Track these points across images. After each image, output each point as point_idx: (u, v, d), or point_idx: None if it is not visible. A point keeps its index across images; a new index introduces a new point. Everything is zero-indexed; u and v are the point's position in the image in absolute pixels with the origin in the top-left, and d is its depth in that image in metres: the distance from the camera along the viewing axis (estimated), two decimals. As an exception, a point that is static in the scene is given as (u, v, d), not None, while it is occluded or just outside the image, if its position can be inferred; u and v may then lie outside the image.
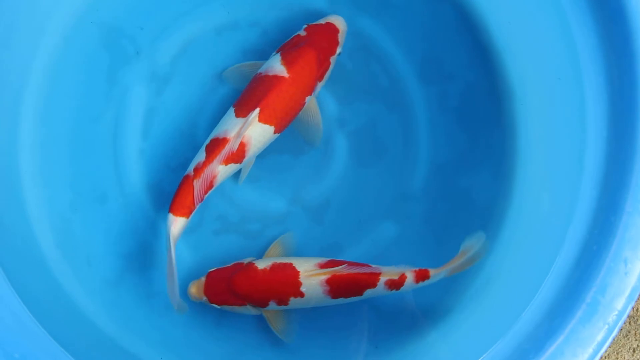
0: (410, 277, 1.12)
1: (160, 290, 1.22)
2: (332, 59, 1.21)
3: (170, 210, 1.11)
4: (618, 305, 0.95)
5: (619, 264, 0.96)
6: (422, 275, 1.12)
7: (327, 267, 1.12)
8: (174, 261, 1.09)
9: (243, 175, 1.22)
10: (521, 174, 1.16)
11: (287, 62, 1.16)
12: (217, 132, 1.14)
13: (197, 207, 1.12)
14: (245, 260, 1.18)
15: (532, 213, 1.11)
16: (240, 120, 1.12)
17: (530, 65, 1.17)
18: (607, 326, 0.95)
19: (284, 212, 1.28)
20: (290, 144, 1.29)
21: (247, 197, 1.28)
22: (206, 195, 1.13)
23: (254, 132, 1.13)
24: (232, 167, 1.15)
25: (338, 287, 1.12)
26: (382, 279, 1.11)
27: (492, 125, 1.22)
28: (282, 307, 1.16)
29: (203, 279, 1.18)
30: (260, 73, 1.17)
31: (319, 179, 1.26)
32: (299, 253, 1.25)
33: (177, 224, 1.11)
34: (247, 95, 1.16)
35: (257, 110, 1.12)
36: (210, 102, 1.29)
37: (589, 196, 1.04)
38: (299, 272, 1.13)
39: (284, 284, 1.13)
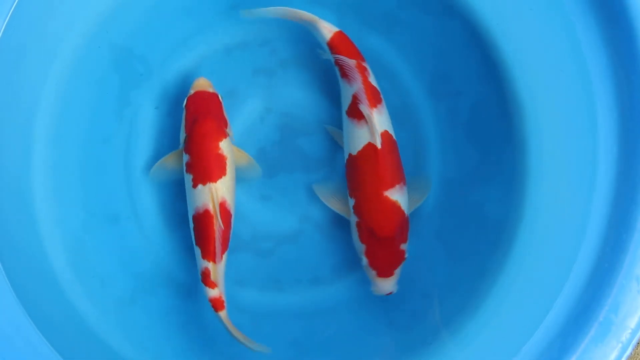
0: None
1: (173, 310, 1.22)
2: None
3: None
4: (631, 324, 0.95)
5: (631, 282, 0.96)
6: None
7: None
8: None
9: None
10: (532, 189, 1.15)
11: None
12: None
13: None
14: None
15: (543, 229, 1.10)
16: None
17: (540, 80, 1.16)
18: (620, 345, 0.94)
19: (295, 230, 1.28)
20: (300, 163, 1.29)
21: (259, 216, 1.29)
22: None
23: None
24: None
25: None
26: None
27: (502, 140, 1.21)
28: None
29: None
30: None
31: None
32: (311, 269, 1.25)
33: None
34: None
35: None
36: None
37: (600, 213, 1.03)
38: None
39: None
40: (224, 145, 1.20)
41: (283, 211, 1.29)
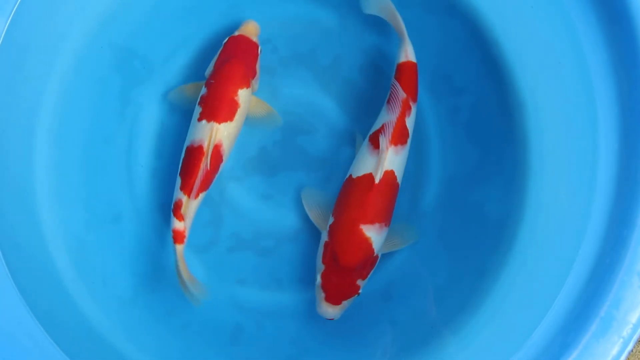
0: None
1: (175, 309, 1.23)
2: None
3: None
4: (632, 319, 0.95)
5: (632, 277, 0.96)
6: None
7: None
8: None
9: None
10: (533, 187, 1.15)
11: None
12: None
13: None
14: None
15: (544, 227, 1.11)
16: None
17: (542, 78, 1.17)
18: (622, 340, 0.95)
19: (297, 228, 1.29)
20: (302, 161, 1.29)
21: (261, 214, 1.29)
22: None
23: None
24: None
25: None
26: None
27: (503, 139, 1.21)
28: None
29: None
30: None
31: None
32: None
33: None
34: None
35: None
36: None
37: (601, 210, 1.04)
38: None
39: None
40: (242, 94, 1.21)
41: (284, 210, 1.29)
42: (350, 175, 1.19)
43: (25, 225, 1.15)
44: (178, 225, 1.17)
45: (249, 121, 1.26)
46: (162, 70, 1.30)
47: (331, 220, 1.20)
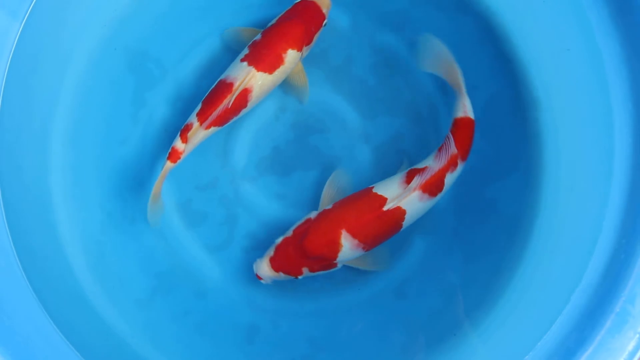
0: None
1: (192, 309, 1.23)
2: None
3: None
4: (648, 315, 0.95)
5: (648, 273, 0.96)
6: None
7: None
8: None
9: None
10: (548, 184, 1.15)
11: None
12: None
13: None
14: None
15: (560, 224, 1.11)
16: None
17: (555, 74, 1.16)
18: (638, 335, 0.94)
19: (311, 227, 1.29)
20: (315, 160, 1.30)
21: (275, 214, 1.29)
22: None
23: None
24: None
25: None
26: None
27: (517, 136, 1.21)
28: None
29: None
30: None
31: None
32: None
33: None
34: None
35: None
36: (237, 118, 1.30)
37: (617, 204, 1.03)
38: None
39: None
40: (291, 54, 1.21)
41: (298, 209, 1.29)
42: (372, 187, 1.18)
43: (41, 226, 1.16)
44: (179, 145, 1.17)
45: (283, 84, 1.26)
46: (175, 72, 1.30)
47: (329, 206, 1.20)
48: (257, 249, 1.28)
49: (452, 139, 1.15)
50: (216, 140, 1.30)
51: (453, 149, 1.14)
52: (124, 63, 1.27)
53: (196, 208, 1.28)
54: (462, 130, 1.16)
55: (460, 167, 1.16)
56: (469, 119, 1.16)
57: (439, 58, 1.18)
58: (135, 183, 1.27)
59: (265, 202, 1.30)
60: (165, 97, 1.30)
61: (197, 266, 1.27)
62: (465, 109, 1.16)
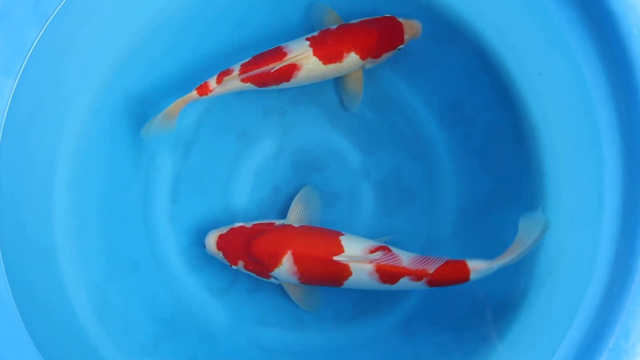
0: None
1: (197, 353, 1.23)
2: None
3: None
4: (641, 350, 0.93)
5: (639, 307, 0.94)
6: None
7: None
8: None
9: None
10: (551, 213, 1.13)
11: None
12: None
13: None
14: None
15: (559, 256, 1.09)
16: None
17: (553, 102, 1.15)
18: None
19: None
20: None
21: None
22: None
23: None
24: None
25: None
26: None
27: (518, 165, 1.20)
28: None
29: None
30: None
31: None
32: (333, 306, 1.24)
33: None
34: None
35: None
36: (236, 160, 1.30)
37: (609, 237, 1.02)
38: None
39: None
40: (353, 58, 1.22)
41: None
42: (342, 234, 1.16)
43: (45, 274, 1.16)
44: (212, 83, 1.18)
45: (337, 87, 1.29)
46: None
47: (297, 224, 1.20)
48: (261, 290, 1.27)
49: (440, 266, 1.11)
50: (215, 182, 1.31)
51: (430, 271, 1.10)
52: (123, 108, 1.27)
53: (198, 252, 1.28)
54: (452, 275, 1.12)
55: (420, 284, 1.11)
56: (469, 273, 1.11)
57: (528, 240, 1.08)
58: (138, 229, 1.28)
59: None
60: (164, 141, 1.31)
61: (202, 310, 1.27)
62: (481, 267, 1.11)
